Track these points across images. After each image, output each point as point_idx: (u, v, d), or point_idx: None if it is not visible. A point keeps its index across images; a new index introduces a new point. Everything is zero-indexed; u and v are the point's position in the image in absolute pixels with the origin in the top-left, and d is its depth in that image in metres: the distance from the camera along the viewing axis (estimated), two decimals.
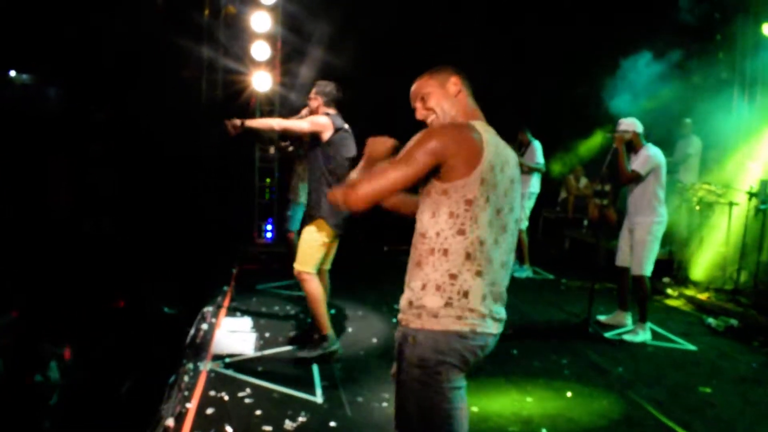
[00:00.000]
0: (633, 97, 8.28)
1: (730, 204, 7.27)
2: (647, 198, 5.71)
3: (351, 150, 4.77)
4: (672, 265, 7.95)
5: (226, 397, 4.09)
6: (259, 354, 4.95)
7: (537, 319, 6.39)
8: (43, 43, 11.14)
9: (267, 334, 5.42)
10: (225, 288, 6.89)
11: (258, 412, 3.90)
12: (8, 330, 5.21)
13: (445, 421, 2.16)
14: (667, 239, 7.89)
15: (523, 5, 10.49)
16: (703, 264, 7.63)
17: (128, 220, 9.68)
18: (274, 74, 9.08)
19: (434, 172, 2.14)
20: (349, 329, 5.68)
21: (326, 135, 4.67)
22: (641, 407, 4.26)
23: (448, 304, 2.14)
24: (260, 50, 8.76)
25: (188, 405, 3.94)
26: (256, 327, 5.62)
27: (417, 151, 2.10)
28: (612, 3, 9.42)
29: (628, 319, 6.07)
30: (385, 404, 4.06)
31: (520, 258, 8.42)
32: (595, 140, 10.43)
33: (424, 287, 2.17)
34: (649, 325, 5.78)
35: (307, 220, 4.81)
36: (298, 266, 4.73)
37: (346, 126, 4.84)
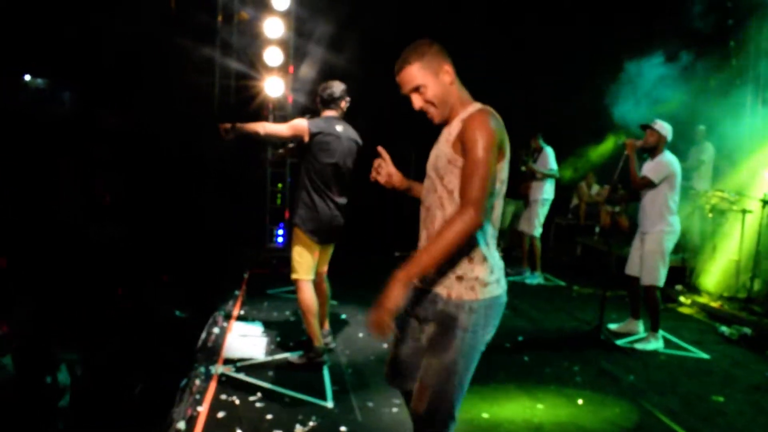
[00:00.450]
0: (645, 103, 8.25)
1: (744, 211, 7.22)
2: (658, 207, 5.64)
3: (334, 155, 4.62)
4: (685, 272, 7.90)
5: (237, 401, 4.11)
6: (269, 358, 4.97)
7: (548, 326, 6.37)
8: (58, 48, 11.23)
9: (278, 339, 5.43)
10: (236, 292, 6.91)
11: (269, 416, 3.91)
12: (18, 331, 5.24)
13: (470, 376, 2.48)
14: (680, 246, 7.86)
15: (530, 10, 10.49)
16: (716, 272, 7.58)
17: (140, 223, 9.74)
18: (287, 80, 9.12)
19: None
20: (360, 334, 5.68)
21: (305, 139, 4.60)
22: (653, 415, 4.24)
23: (491, 272, 2.43)
24: (273, 56, 8.80)
25: (199, 408, 3.96)
26: (267, 331, 5.63)
27: (488, 149, 2.26)
28: (623, 9, 9.40)
29: (639, 327, 6.04)
30: (395, 409, 4.05)
31: (531, 265, 8.40)
32: (607, 146, 10.40)
33: (471, 260, 2.39)
34: (661, 333, 5.75)
35: (289, 226, 4.84)
36: (291, 274, 4.75)
37: (338, 129, 4.67)
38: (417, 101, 2.46)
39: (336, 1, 9.57)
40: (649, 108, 7.88)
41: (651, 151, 5.69)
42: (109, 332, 6.06)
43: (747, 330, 6.17)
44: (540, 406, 4.31)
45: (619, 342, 5.74)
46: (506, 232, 10.64)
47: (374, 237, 8.99)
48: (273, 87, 8.88)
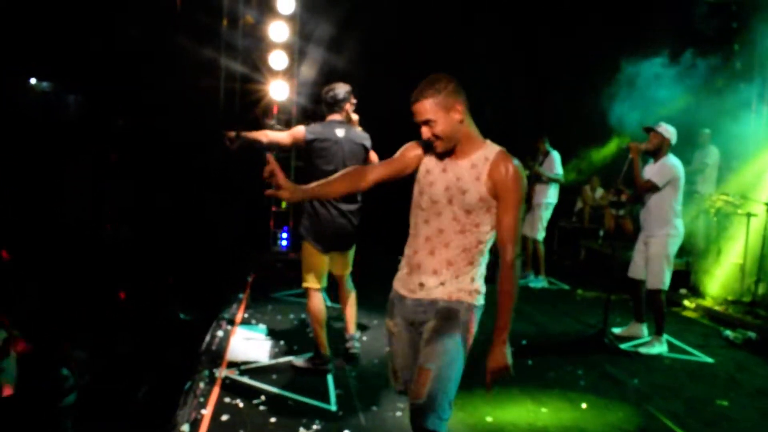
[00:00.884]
0: (649, 106, 8.24)
1: (748, 215, 7.20)
2: (663, 210, 5.63)
3: (332, 161, 4.53)
4: (689, 276, 7.88)
5: (241, 404, 4.11)
6: (274, 362, 4.97)
7: (552, 330, 6.36)
8: (63, 51, 11.28)
9: (282, 342, 5.44)
10: (240, 295, 6.92)
11: (273, 420, 3.91)
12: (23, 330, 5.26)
13: (460, 369, 2.67)
14: (684, 250, 7.84)
15: (536, 13, 10.50)
16: (720, 275, 7.56)
17: (145, 226, 9.76)
18: (292, 83, 9.13)
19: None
20: (364, 338, 5.68)
21: (303, 145, 4.58)
22: (657, 419, 4.23)
23: (482, 284, 2.76)
24: (278, 59, 8.82)
25: (203, 411, 3.97)
26: (272, 335, 5.64)
27: (523, 200, 2.63)
28: (627, 12, 9.40)
29: (644, 331, 6.02)
30: (399, 413, 4.06)
31: (535, 268, 8.39)
32: (610, 148, 10.40)
33: (473, 279, 2.70)
34: (665, 337, 5.73)
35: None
36: (303, 283, 4.74)
37: (338, 133, 4.59)
38: (426, 132, 2.63)
39: (339, 3, 9.59)
40: (653, 111, 7.88)
41: (654, 154, 5.69)
42: (114, 334, 6.09)
43: (752, 334, 6.15)
44: (544, 409, 4.31)
45: (623, 346, 5.73)
46: None
47: (376, 240, 8.99)
48: (278, 90, 8.90)
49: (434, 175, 2.69)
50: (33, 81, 13.40)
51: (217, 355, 5.01)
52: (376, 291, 7.17)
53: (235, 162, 9.37)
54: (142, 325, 6.41)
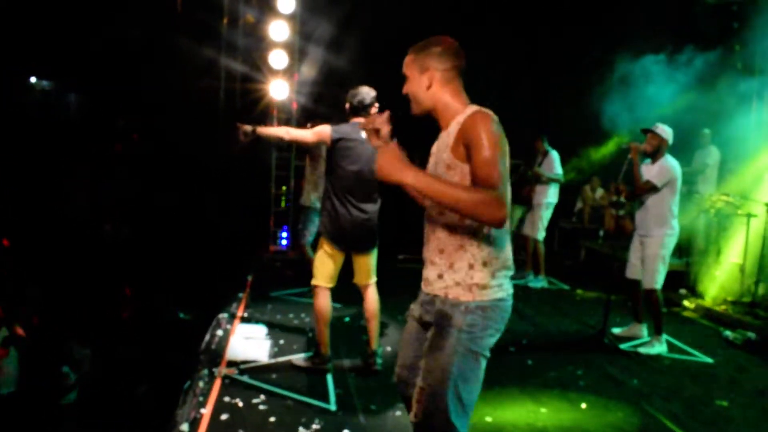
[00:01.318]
0: (649, 106, 8.24)
1: (749, 215, 7.20)
2: (661, 210, 5.64)
3: (357, 162, 4.54)
4: (689, 276, 7.87)
5: (241, 404, 4.11)
6: (273, 361, 4.97)
7: (552, 330, 6.36)
8: (64, 51, 11.29)
9: (281, 341, 5.43)
10: (240, 294, 6.91)
11: (272, 419, 3.91)
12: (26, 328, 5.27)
13: (473, 386, 2.40)
14: (684, 250, 7.84)
15: (536, 11, 10.51)
16: (720, 276, 7.55)
17: (145, 226, 9.76)
18: (292, 82, 9.14)
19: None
20: (363, 337, 5.67)
21: (328, 145, 4.57)
22: (657, 420, 4.23)
23: (493, 276, 2.41)
24: (278, 59, 8.82)
25: (203, 411, 3.96)
26: (271, 334, 5.63)
27: (495, 149, 2.25)
28: (627, 12, 9.40)
29: (643, 331, 6.02)
30: (398, 412, 4.05)
31: (535, 268, 8.39)
32: (609, 148, 10.39)
33: (471, 267, 2.39)
34: (665, 337, 5.73)
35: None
36: (312, 279, 4.74)
37: (363, 134, 4.68)
38: (404, 87, 2.55)
39: (339, 2, 9.59)
40: (652, 111, 7.87)
41: (653, 155, 5.70)
42: (114, 334, 6.09)
43: (751, 334, 6.14)
44: (543, 409, 4.30)
45: (623, 346, 5.73)
46: (514, 237, 10.64)
47: (378, 240, 8.99)
48: (278, 90, 8.90)
49: (432, 155, 2.60)
50: (33, 80, 13.40)
51: (216, 355, 5.01)
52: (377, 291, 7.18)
53: (234, 161, 9.39)
54: (142, 324, 6.41)
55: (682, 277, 7.78)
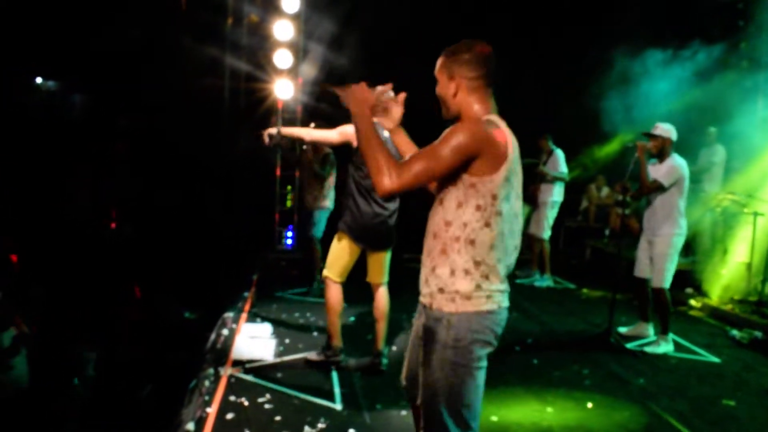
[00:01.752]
0: (654, 104, 8.22)
1: (755, 214, 7.16)
2: (669, 210, 5.61)
3: None
4: (695, 275, 7.85)
5: (246, 403, 4.11)
6: (278, 360, 4.97)
7: (558, 329, 6.35)
8: (69, 51, 11.31)
9: (287, 341, 5.44)
10: (245, 294, 6.92)
11: (277, 418, 3.91)
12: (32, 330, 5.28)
13: (471, 398, 2.33)
14: (691, 249, 7.81)
15: (539, 9, 10.49)
16: (726, 275, 7.52)
17: (150, 225, 9.78)
18: (296, 82, 9.13)
19: (463, 166, 2.28)
20: (369, 336, 5.67)
21: (354, 144, 4.53)
22: (663, 419, 4.22)
23: (477, 287, 2.32)
24: (282, 58, 8.82)
25: (208, 410, 3.96)
26: (276, 333, 5.63)
27: (446, 147, 2.23)
28: (631, 10, 9.37)
29: (649, 330, 6.00)
30: (404, 412, 4.05)
31: (541, 267, 8.37)
32: (614, 146, 10.36)
33: (453, 273, 2.33)
34: (671, 336, 5.71)
35: (334, 229, 4.79)
36: (324, 270, 4.74)
37: (385, 134, 4.70)
38: (436, 89, 2.52)
39: (343, 1, 9.59)
40: (658, 109, 7.85)
41: (659, 155, 5.66)
42: (119, 333, 6.10)
43: (758, 333, 6.12)
44: (549, 409, 4.29)
45: (629, 345, 5.71)
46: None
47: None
48: (282, 89, 8.89)
49: None
50: (39, 80, 13.44)
51: (222, 354, 5.01)
52: None
53: (240, 160, 9.40)
54: (148, 323, 6.42)
55: (689, 276, 7.75)
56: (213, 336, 5.42)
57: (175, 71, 10.61)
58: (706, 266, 7.80)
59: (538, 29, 10.68)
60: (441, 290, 2.35)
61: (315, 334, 5.69)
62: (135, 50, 10.76)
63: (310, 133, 4.71)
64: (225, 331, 5.55)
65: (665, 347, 5.62)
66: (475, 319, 2.31)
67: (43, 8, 10.73)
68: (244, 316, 6.11)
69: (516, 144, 2.39)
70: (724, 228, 7.71)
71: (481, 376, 2.37)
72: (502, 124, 2.39)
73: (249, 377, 4.56)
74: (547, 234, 8.22)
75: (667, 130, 5.63)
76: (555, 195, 8.17)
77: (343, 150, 4.87)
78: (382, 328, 4.80)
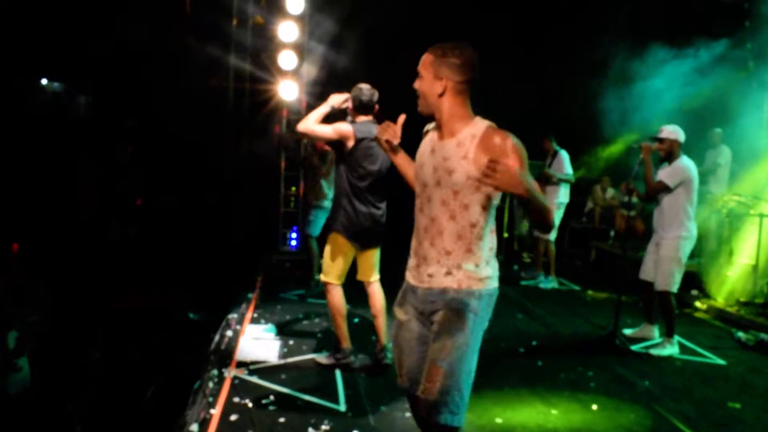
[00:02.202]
0: (660, 105, 8.19)
1: (761, 215, 7.13)
2: (675, 212, 5.57)
3: (377, 161, 4.59)
4: (700, 277, 7.81)
5: (250, 404, 4.11)
6: (282, 361, 4.97)
7: (562, 331, 6.33)
8: (74, 52, 11.34)
9: (291, 342, 5.43)
10: (249, 295, 6.92)
11: (281, 420, 3.91)
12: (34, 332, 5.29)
13: (476, 360, 2.64)
14: (696, 251, 7.78)
15: (543, 10, 10.48)
16: (732, 277, 7.49)
17: (154, 225, 9.79)
18: (301, 83, 9.14)
19: None
20: (372, 338, 5.66)
21: (349, 144, 4.55)
22: (668, 422, 4.20)
23: (492, 268, 2.68)
24: (287, 59, 8.82)
25: (212, 411, 3.96)
26: (280, 334, 5.63)
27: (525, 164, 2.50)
28: (638, 11, 9.35)
29: (655, 332, 5.98)
30: (407, 414, 4.03)
31: (546, 269, 8.35)
32: (618, 147, 10.34)
33: (477, 265, 2.62)
34: (676, 338, 5.69)
35: (326, 230, 4.80)
36: (322, 276, 4.74)
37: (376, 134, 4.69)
38: (415, 82, 2.67)
39: (348, 2, 9.59)
40: (663, 111, 7.83)
41: (668, 158, 5.63)
42: (123, 334, 6.10)
43: (764, 336, 6.09)
44: (554, 411, 4.28)
45: (634, 347, 5.69)
46: (526, 238, 10.59)
47: (386, 241, 8.97)
48: (287, 90, 8.90)
49: (424, 158, 2.69)
50: (44, 81, 13.47)
51: (226, 355, 5.01)
52: (387, 295, 7.19)
53: (244, 162, 9.40)
54: (152, 324, 6.42)
55: (694, 277, 7.71)
56: (217, 337, 5.42)
57: (179, 72, 10.62)
58: (711, 268, 7.76)
59: (539, 29, 10.66)
60: (469, 277, 2.61)
61: (319, 335, 5.69)
62: (140, 51, 10.78)
63: (305, 124, 4.55)
64: (229, 333, 5.55)
65: (670, 349, 5.60)
66: (493, 294, 2.68)
67: (48, 9, 10.75)
68: (248, 317, 6.11)
69: None
70: (730, 229, 7.68)
71: None
72: None
73: (253, 378, 4.56)
74: (553, 235, 8.20)
75: (673, 132, 5.59)
76: (561, 196, 8.15)
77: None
78: (381, 323, 4.83)
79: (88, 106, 13.26)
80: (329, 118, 4.70)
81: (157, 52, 10.64)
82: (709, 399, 4.66)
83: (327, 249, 4.73)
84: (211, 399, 4.14)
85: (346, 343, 4.79)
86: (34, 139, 10.31)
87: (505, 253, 8.76)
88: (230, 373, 4.63)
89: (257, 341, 5.39)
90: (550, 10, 10.45)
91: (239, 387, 4.39)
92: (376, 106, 4.70)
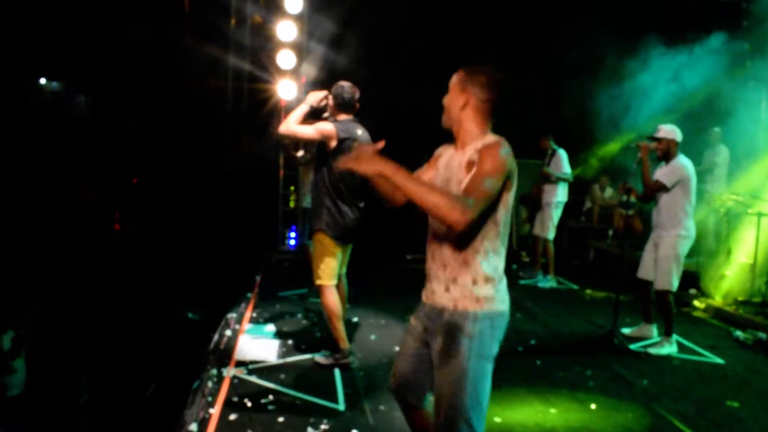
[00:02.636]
0: (658, 105, 8.20)
1: (759, 215, 7.15)
2: (673, 211, 5.59)
3: None
4: (699, 276, 7.83)
5: (249, 404, 4.11)
6: (281, 361, 4.97)
7: (561, 330, 6.34)
8: (73, 52, 11.33)
9: (290, 341, 5.44)
10: (248, 295, 6.93)
11: (280, 419, 3.91)
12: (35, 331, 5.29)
13: (485, 388, 2.52)
14: (694, 250, 7.78)
15: (542, 10, 10.49)
16: (730, 276, 7.50)
17: (154, 225, 9.79)
18: (299, 82, 9.13)
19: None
20: (372, 337, 5.68)
21: (332, 144, 4.54)
22: (667, 421, 4.21)
23: (495, 290, 2.54)
24: (286, 59, 8.82)
25: (211, 411, 3.97)
26: (279, 334, 5.64)
27: (495, 171, 2.41)
28: (637, 10, 9.35)
29: (653, 332, 5.99)
30: None
31: (544, 268, 8.36)
32: (613, 147, 10.34)
33: (475, 282, 2.51)
34: (675, 337, 5.70)
35: (310, 233, 4.81)
36: (315, 280, 4.75)
37: (359, 133, 4.65)
38: (444, 98, 2.68)
39: (347, 1, 9.59)
40: (661, 110, 7.84)
41: (665, 157, 5.64)
42: (123, 334, 6.11)
43: (762, 335, 6.11)
44: (552, 410, 4.29)
45: (633, 346, 5.70)
46: (525, 237, 10.60)
47: (386, 240, 9.00)
48: (286, 90, 8.90)
49: (439, 172, 2.70)
50: (43, 81, 13.46)
51: (225, 354, 5.01)
52: (382, 293, 7.19)
53: (243, 161, 9.40)
54: (151, 324, 6.43)
55: (692, 276, 7.73)
56: (216, 337, 5.42)
57: (178, 72, 10.62)
58: (709, 267, 7.77)
59: (538, 28, 10.67)
60: (465, 296, 2.52)
61: (318, 334, 5.69)
62: (139, 51, 10.78)
63: (288, 125, 4.53)
64: (228, 332, 5.56)
65: (669, 348, 5.61)
66: (495, 317, 2.53)
67: (47, 8, 10.74)
68: (247, 316, 6.12)
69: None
70: (728, 229, 7.69)
71: (491, 374, 2.54)
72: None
73: (252, 378, 4.56)
74: (551, 235, 8.21)
75: (670, 131, 5.61)
76: (559, 195, 8.16)
77: None
78: (343, 310, 4.90)
79: (87, 106, 13.25)
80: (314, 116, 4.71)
81: (156, 52, 10.64)
82: (707, 398, 4.67)
83: (315, 252, 4.73)
84: (210, 398, 4.14)
85: (344, 344, 4.80)
86: (33, 139, 10.30)
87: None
88: (229, 372, 4.63)
89: (256, 341, 5.40)
90: (550, 9, 10.45)
91: (238, 386, 4.40)
92: (357, 104, 4.71)
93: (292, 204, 9.77)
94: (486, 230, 2.51)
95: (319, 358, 4.93)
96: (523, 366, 5.14)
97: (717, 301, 7.36)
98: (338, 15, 9.56)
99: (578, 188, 10.08)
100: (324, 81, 9.35)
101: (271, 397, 4.24)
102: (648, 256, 5.84)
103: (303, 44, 9.16)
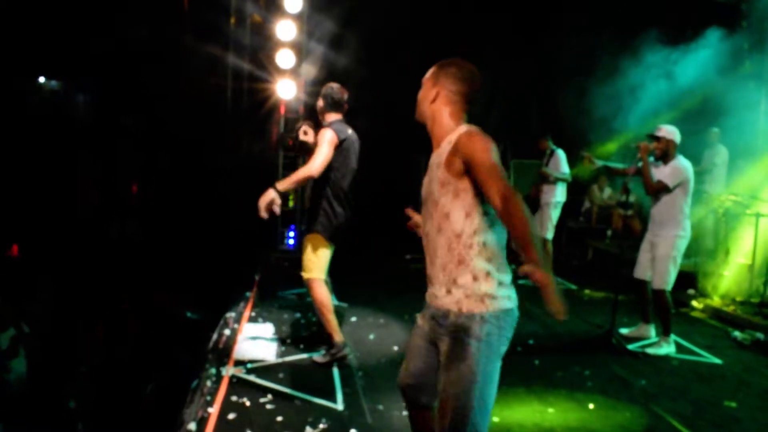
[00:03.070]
0: (657, 105, 8.21)
1: (757, 215, 7.16)
2: (673, 211, 5.61)
3: (354, 160, 4.78)
4: (697, 276, 7.83)
5: (248, 403, 4.12)
6: (280, 360, 4.98)
7: (559, 330, 6.34)
8: (72, 50, 11.32)
9: (289, 341, 5.45)
10: (247, 294, 6.93)
11: (279, 418, 3.92)
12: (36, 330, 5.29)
13: (492, 389, 2.51)
14: (693, 250, 7.80)
15: (541, 11, 10.50)
16: (728, 276, 7.51)
17: (153, 224, 9.79)
18: (299, 82, 9.14)
19: (472, 176, 2.41)
20: (371, 337, 5.69)
21: (336, 148, 4.65)
22: (665, 421, 4.22)
23: (499, 286, 2.48)
24: (285, 58, 8.82)
25: (210, 410, 3.98)
26: (278, 333, 5.65)
27: (491, 152, 2.36)
28: (636, 10, 9.36)
29: (651, 332, 6.00)
30: (405, 412, 4.04)
31: None
32: (614, 146, 10.35)
33: (475, 279, 2.46)
34: (673, 337, 5.71)
35: (305, 231, 4.88)
36: (304, 274, 4.79)
37: (350, 132, 4.79)
38: (419, 92, 2.70)
39: (344, 1, 9.59)
40: (660, 111, 7.85)
41: (663, 158, 5.66)
42: (122, 333, 6.11)
43: (760, 335, 6.12)
44: (551, 410, 4.30)
45: (631, 346, 5.71)
46: None
47: (385, 240, 9.00)
48: (285, 89, 8.90)
49: (428, 171, 2.67)
50: (42, 80, 13.46)
51: (224, 354, 5.02)
52: (381, 292, 7.19)
53: (242, 161, 9.41)
54: (149, 323, 6.43)
55: (691, 277, 7.74)
56: (215, 336, 5.43)
57: (178, 71, 10.62)
58: (708, 267, 7.79)
59: (537, 28, 10.68)
60: (468, 296, 2.46)
61: (317, 334, 5.69)
62: (138, 50, 10.77)
63: (308, 169, 4.50)
64: (227, 331, 5.56)
65: (667, 348, 5.62)
66: (502, 316, 2.48)
67: (46, 7, 10.74)
68: (246, 316, 6.12)
69: None
70: (726, 229, 7.70)
71: (498, 372, 2.53)
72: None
73: (251, 377, 4.57)
74: (550, 234, 8.22)
75: (670, 132, 5.62)
76: (558, 195, 8.17)
77: None
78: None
79: (86, 105, 13.24)
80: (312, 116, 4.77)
81: (156, 51, 10.63)
82: (705, 398, 4.68)
83: (308, 247, 4.79)
84: (209, 398, 4.15)
85: (338, 336, 4.83)
86: (33, 138, 10.30)
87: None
88: (228, 371, 4.64)
89: (255, 340, 5.41)
90: (549, 9, 10.46)
91: (237, 386, 4.40)
92: (346, 105, 4.81)
93: (291, 204, 9.76)
94: (475, 224, 2.45)
95: (317, 357, 4.95)
96: (522, 366, 5.14)
97: (715, 301, 7.37)
98: (338, 15, 9.56)
99: (577, 188, 10.09)
100: (324, 81, 9.38)
101: (269, 396, 4.25)
102: (644, 256, 5.85)
103: (302, 44, 9.16)
